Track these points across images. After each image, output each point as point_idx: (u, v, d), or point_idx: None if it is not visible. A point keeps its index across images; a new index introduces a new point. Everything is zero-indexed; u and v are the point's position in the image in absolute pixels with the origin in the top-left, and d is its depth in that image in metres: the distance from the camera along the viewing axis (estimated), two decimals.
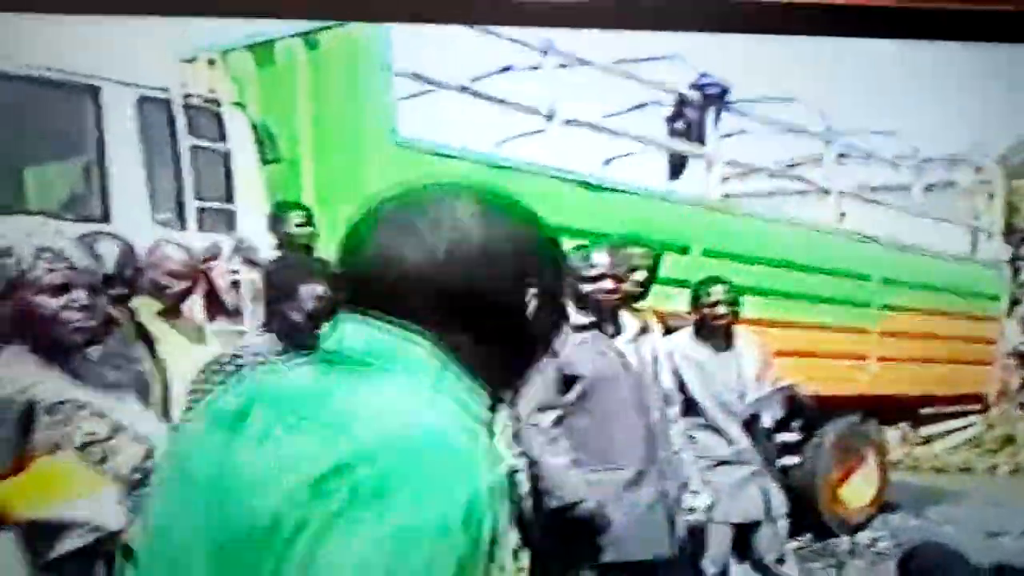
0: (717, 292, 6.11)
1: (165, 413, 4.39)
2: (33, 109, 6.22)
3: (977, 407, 12.45)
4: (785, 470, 7.62)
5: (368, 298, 1.58)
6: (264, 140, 7.04)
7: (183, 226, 6.55)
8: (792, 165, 11.66)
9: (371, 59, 6.93)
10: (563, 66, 8.23)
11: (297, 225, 6.31)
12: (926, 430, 12.60)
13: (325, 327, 1.63)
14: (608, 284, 5.03)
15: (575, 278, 5.01)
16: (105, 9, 2.32)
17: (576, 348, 4.96)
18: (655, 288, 5.88)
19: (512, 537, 4.62)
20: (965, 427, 12.70)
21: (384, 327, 1.55)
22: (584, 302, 5.02)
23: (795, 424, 6.95)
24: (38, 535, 2.54)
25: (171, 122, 6.65)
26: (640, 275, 5.65)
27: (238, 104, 7.00)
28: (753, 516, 6.07)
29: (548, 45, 7.96)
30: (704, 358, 6.08)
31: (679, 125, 9.91)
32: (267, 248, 6.36)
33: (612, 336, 5.11)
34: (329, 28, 6.81)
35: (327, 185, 6.77)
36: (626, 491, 4.91)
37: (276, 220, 6.48)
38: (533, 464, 4.78)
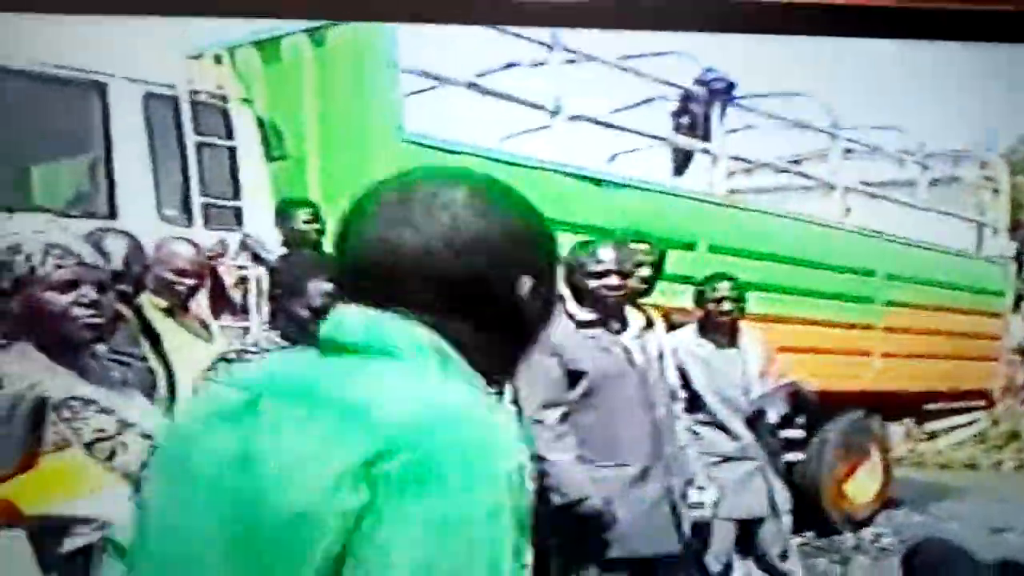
0: (722, 288, 6.12)
1: (171, 410, 4.40)
2: (40, 106, 6.23)
3: (982, 403, 12.43)
4: (789, 466, 7.63)
5: (363, 284, 1.59)
6: (270, 137, 7.06)
7: (189, 223, 6.56)
8: (797, 161, 11.66)
9: (377, 56, 6.93)
10: (569, 62, 8.23)
11: (305, 222, 6.31)
12: (930, 426, 12.59)
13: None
14: (614, 280, 5.02)
15: (581, 274, 5.02)
16: (105, 9, 2.33)
17: (581, 344, 4.97)
18: (661, 284, 5.89)
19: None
20: (970, 423, 12.69)
21: (381, 314, 1.56)
22: (589, 298, 5.03)
23: (799, 420, 6.96)
24: (47, 532, 2.55)
25: (177, 119, 6.67)
26: (645, 271, 5.65)
27: (244, 101, 7.02)
28: (757, 512, 6.09)
29: (554, 41, 7.96)
30: (708, 354, 6.09)
31: (684, 120, 9.91)
32: (273, 245, 6.38)
33: (617, 332, 5.11)
34: (335, 25, 6.81)
35: (333, 181, 6.77)
36: (631, 487, 4.91)
37: (283, 217, 6.49)
38: (538, 461, 4.79)
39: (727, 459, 5.95)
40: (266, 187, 6.94)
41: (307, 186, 6.91)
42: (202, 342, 5.17)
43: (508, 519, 1.40)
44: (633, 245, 5.61)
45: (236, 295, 5.74)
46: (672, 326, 6.11)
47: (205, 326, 5.37)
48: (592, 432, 4.91)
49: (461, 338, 1.57)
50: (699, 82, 9.70)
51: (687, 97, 9.83)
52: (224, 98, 6.92)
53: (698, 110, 9.77)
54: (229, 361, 4.05)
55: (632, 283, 5.27)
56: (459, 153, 7.09)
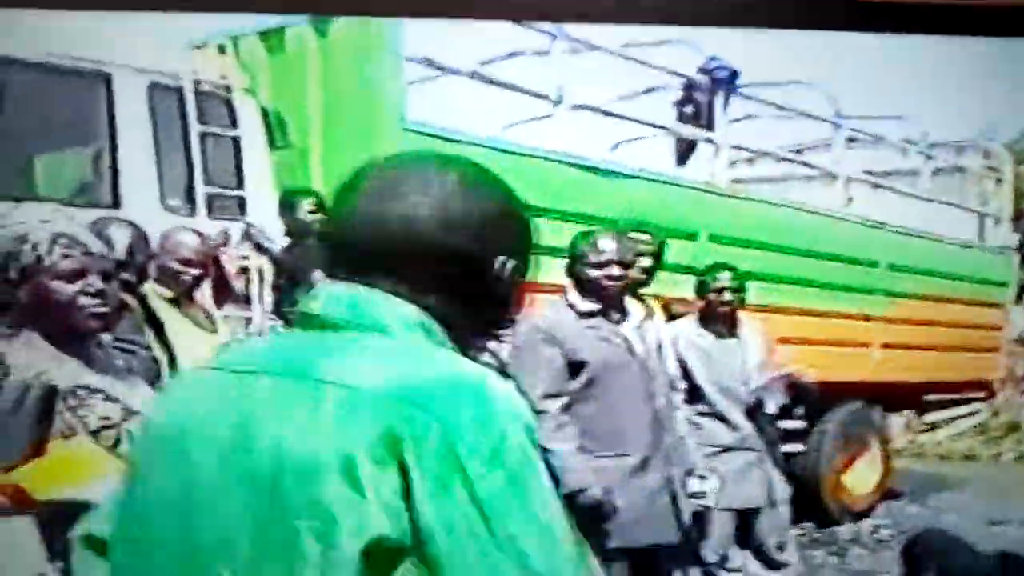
0: (723, 279, 6.14)
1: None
2: (44, 97, 6.24)
3: (982, 394, 12.43)
4: (788, 457, 7.64)
5: (350, 255, 1.62)
6: (274, 126, 7.07)
7: (193, 212, 6.57)
8: (800, 150, 11.65)
9: (381, 45, 6.94)
10: (572, 51, 8.23)
11: (308, 212, 6.32)
12: (930, 417, 12.58)
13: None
14: (615, 271, 5.03)
15: (582, 264, 5.04)
16: (104, 5, 2.34)
17: (582, 335, 4.98)
18: (662, 274, 5.91)
19: None
20: (970, 414, 12.67)
21: (366, 290, 1.59)
22: (590, 288, 5.04)
23: (799, 411, 6.97)
24: (56, 519, 2.57)
25: (181, 109, 6.67)
26: (645, 261, 5.67)
27: (248, 91, 7.03)
28: (755, 503, 6.11)
29: (557, 30, 7.96)
30: (708, 345, 6.11)
31: (687, 110, 9.90)
32: (277, 234, 6.39)
33: (617, 323, 5.13)
34: None
35: (336, 171, 6.77)
36: (632, 477, 4.92)
37: (287, 206, 6.50)
38: (540, 450, 4.79)
39: (726, 449, 5.97)
40: (269, 177, 6.96)
41: (310, 176, 6.92)
42: (206, 332, 5.20)
43: (540, 467, 1.47)
44: (633, 235, 5.62)
45: (239, 285, 5.76)
46: (672, 316, 6.13)
47: (209, 316, 5.39)
48: (593, 422, 4.92)
49: (441, 313, 1.61)
50: (702, 71, 9.68)
51: (690, 86, 9.81)
52: (228, 88, 6.93)
53: (701, 99, 9.76)
54: None
55: (632, 273, 5.28)
56: (461, 142, 7.11)
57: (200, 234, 5.47)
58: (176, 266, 5.19)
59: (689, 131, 9.82)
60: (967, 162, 12.99)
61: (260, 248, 6.24)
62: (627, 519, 4.84)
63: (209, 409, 1.55)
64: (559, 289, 5.22)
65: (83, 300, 2.94)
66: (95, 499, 1.84)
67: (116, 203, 6.25)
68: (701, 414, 5.95)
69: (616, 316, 5.11)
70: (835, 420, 9.92)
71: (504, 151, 7.43)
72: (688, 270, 7.05)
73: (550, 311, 5.08)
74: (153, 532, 1.56)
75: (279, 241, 6.35)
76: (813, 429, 9.64)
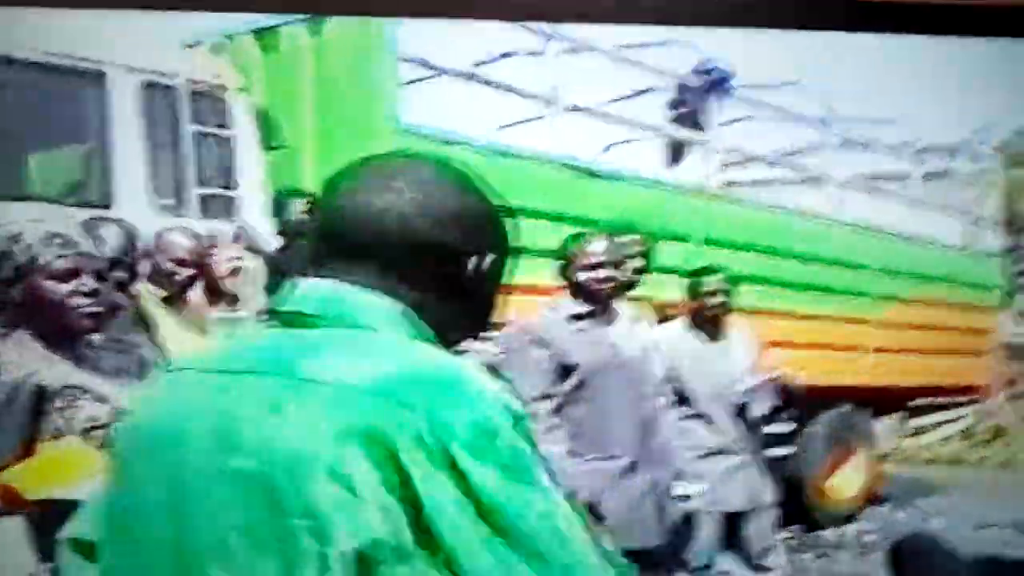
0: (714, 282, 6.15)
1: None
2: (38, 95, 6.23)
3: (969, 399, 12.46)
4: (775, 460, 7.66)
5: (332, 248, 1.63)
6: (267, 126, 7.07)
7: (185, 212, 6.57)
8: (792, 153, 11.67)
9: (375, 45, 6.96)
10: (566, 52, 8.25)
11: (302, 212, 6.32)
12: (918, 422, 12.60)
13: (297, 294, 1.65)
14: (605, 273, 5.04)
15: (572, 266, 5.05)
16: (100, 4, 2.35)
17: (572, 337, 4.99)
18: (653, 276, 5.92)
19: None
20: (957, 419, 12.71)
21: (345, 286, 1.59)
22: (580, 291, 5.05)
23: (786, 415, 6.98)
24: (46, 519, 2.58)
25: (175, 108, 6.68)
26: (635, 263, 5.67)
27: (242, 90, 7.03)
28: (742, 506, 6.12)
29: (551, 31, 7.98)
30: (698, 348, 6.11)
31: (680, 112, 9.92)
32: (269, 235, 6.40)
33: (607, 325, 5.13)
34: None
35: (328, 172, 6.76)
36: (620, 480, 4.93)
37: (280, 207, 6.51)
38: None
39: (713, 452, 5.98)
40: (262, 177, 6.96)
41: (302, 175, 6.93)
42: (198, 332, 5.20)
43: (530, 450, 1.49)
44: (624, 237, 5.63)
45: (230, 285, 5.76)
46: (662, 319, 6.14)
47: (201, 317, 5.40)
48: (582, 425, 4.92)
49: (419, 307, 1.61)
50: (695, 72, 9.71)
51: (683, 88, 9.84)
52: (222, 88, 6.92)
53: (694, 101, 9.79)
54: None
55: (622, 275, 5.29)
56: (455, 143, 7.12)
57: (194, 234, 5.48)
58: (169, 266, 5.20)
59: (682, 133, 9.84)
60: (958, 167, 13.01)
61: (252, 249, 6.24)
62: (614, 522, 4.85)
63: (193, 409, 1.54)
64: (550, 291, 5.23)
65: (76, 300, 2.95)
66: (85, 499, 1.85)
67: (108, 202, 6.25)
68: (689, 417, 5.95)
69: (606, 318, 5.12)
70: (823, 424, 9.93)
71: (497, 152, 7.45)
72: (679, 272, 7.06)
73: (540, 313, 5.09)
74: (143, 534, 1.55)
75: (272, 242, 6.36)
76: (801, 433, 9.65)
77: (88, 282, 2.97)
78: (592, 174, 8.20)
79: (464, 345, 1.74)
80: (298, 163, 6.98)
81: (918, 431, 12.97)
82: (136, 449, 1.61)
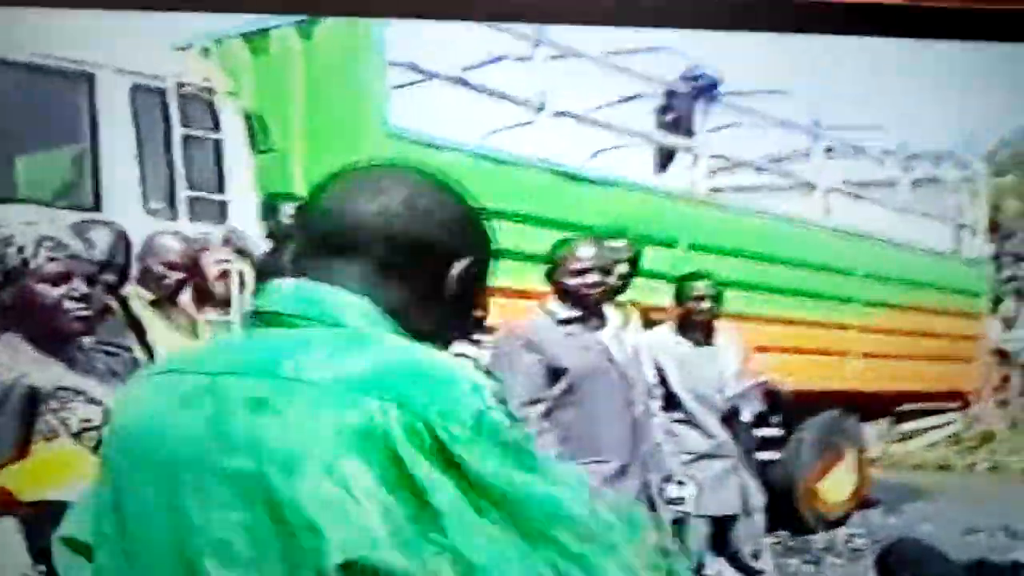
0: (700, 287, 6.16)
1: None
2: (27, 97, 6.22)
3: (957, 404, 12.49)
4: (764, 465, 7.68)
5: (313, 248, 1.64)
6: (257, 130, 7.06)
7: (174, 215, 6.56)
8: (779, 159, 11.69)
9: (365, 49, 6.96)
10: (554, 57, 8.26)
11: (289, 215, 6.31)
12: (905, 427, 12.61)
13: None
14: (593, 278, 5.05)
15: (560, 272, 5.06)
16: (90, 4, 2.35)
17: (561, 342, 5.00)
18: (641, 281, 5.93)
19: None
20: (944, 424, 12.73)
21: (319, 285, 1.60)
22: (569, 296, 5.06)
23: (774, 419, 7.00)
24: (38, 520, 2.58)
25: (164, 111, 6.66)
26: (622, 268, 5.68)
27: (231, 93, 7.02)
28: (730, 510, 6.13)
29: (540, 36, 7.98)
30: (685, 352, 6.13)
31: (668, 118, 9.94)
32: (258, 238, 6.40)
33: (596, 329, 5.14)
34: (324, 18, 6.82)
35: (318, 175, 6.74)
36: (610, 484, 4.93)
37: (269, 210, 6.50)
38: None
39: (702, 457, 5.98)
40: (251, 180, 6.95)
41: (292, 179, 6.92)
42: (188, 335, 5.20)
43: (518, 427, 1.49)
44: (612, 242, 5.64)
45: (219, 288, 5.76)
46: (649, 324, 6.15)
47: (192, 320, 5.40)
48: (572, 429, 4.92)
49: (403, 310, 1.62)
50: (683, 79, 9.72)
51: (671, 94, 9.85)
52: (211, 91, 6.90)
53: (682, 108, 9.80)
54: None
55: (610, 280, 5.30)
56: (444, 147, 7.13)
57: (184, 238, 5.48)
58: (160, 269, 5.20)
59: (669, 139, 9.85)
60: (944, 174, 13.04)
61: (241, 252, 6.24)
62: None
63: (180, 411, 1.54)
64: (539, 295, 5.24)
65: (68, 304, 2.94)
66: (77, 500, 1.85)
67: (97, 205, 6.24)
68: (677, 421, 5.97)
69: (595, 323, 5.13)
70: (811, 429, 9.94)
71: (486, 157, 7.46)
72: (667, 278, 7.07)
73: (529, 318, 5.10)
74: (138, 535, 1.55)
75: (261, 245, 6.35)
76: (789, 437, 9.66)
77: (80, 286, 2.96)
78: (580, 179, 8.21)
79: (455, 348, 1.75)
80: (287, 166, 6.97)
81: (906, 436, 13.00)
82: (125, 451, 1.61)
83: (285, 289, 1.62)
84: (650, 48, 9.49)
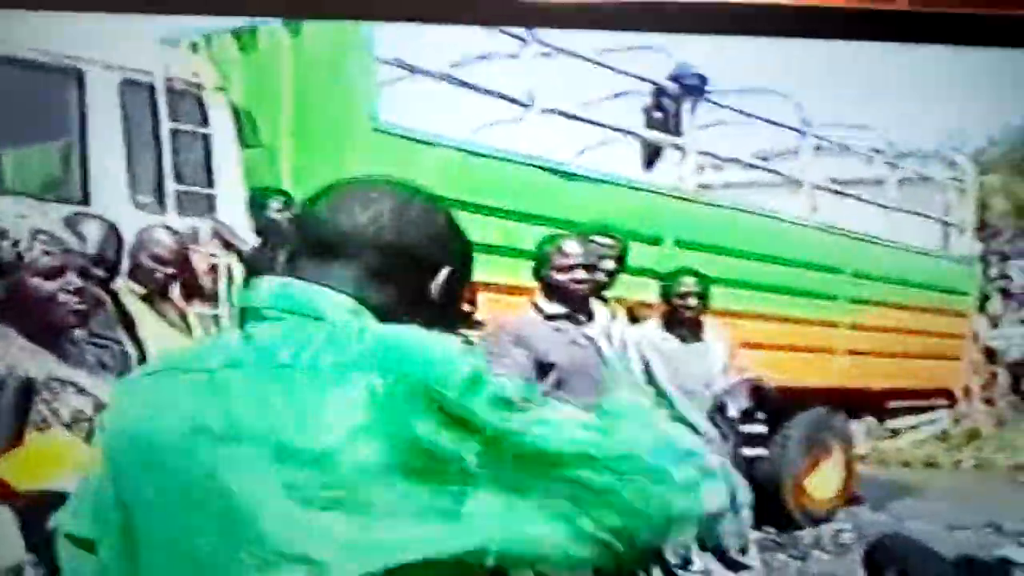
0: (687, 284, 6.18)
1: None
2: (15, 91, 6.22)
3: (944, 402, 12.51)
4: (751, 461, 7.69)
5: (305, 248, 1.70)
6: (245, 125, 7.05)
7: (162, 210, 6.56)
8: (767, 157, 11.69)
9: (354, 45, 6.95)
10: (542, 55, 8.26)
11: (277, 211, 6.33)
12: (893, 424, 12.62)
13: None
14: (580, 274, 5.07)
15: (548, 268, 5.08)
16: (80, 7, 2.36)
17: (549, 337, 5.01)
18: (628, 278, 5.95)
19: None
20: (932, 422, 12.75)
21: (299, 282, 1.65)
22: (556, 292, 5.07)
23: (760, 415, 7.00)
24: (33, 509, 2.59)
25: (153, 106, 6.66)
26: (609, 264, 5.70)
27: (220, 89, 7.02)
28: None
29: (528, 34, 7.98)
30: (672, 349, 6.15)
31: (656, 115, 9.94)
32: (246, 233, 6.40)
33: (583, 325, 5.16)
34: None
35: (306, 170, 6.77)
36: None
37: (256, 205, 6.50)
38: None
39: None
40: (239, 175, 6.95)
41: (280, 175, 6.92)
42: (178, 329, 5.22)
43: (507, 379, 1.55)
44: (599, 239, 5.66)
45: (208, 282, 5.77)
46: (635, 320, 6.17)
47: (182, 313, 5.41)
48: None
49: (384, 310, 1.66)
50: (672, 77, 9.73)
51: (659, 92, 9.86)
52: (199, 86, 6.91)
53: (670, 105, 9.81)
54: None
55: (597, 277, 5.32)
56: (432, 144, 7.13)
57: (174, 232, 5.50)
58: (150, 263, 5.22)
59: (657, 136, 9.86)
60: (932, 172, 13.06)
61: (229, 246, 6.25)
62: None
63: (182, 407, 1.56)
64: (526, 291, 5.26)
65: (62, 297, 2.96)
66: (73, 491, 1.85)
67: (86, 199, 6.24)
68: (663, 417, 5.98)
69: (582, 318, 5.15)
70: (799, 425, 9.93)
71: (474, 153, 7.46)
72: (654, 274, 7.09)
73: (517, 313, 5.12)
74: (144, 530, 1.57)
75: (248, 239, 6.36)
76: (776, 434, 9.65)
77: (73, 280, 2.98)
78: (568, 176, 8.20)
79: None
80: (276, 162, 6.96)
81: (893, 433, 13.01)
82: (127, 450, 1.63)
83: (272, 286, 1.66)
84: (638, 46, 9.49)
